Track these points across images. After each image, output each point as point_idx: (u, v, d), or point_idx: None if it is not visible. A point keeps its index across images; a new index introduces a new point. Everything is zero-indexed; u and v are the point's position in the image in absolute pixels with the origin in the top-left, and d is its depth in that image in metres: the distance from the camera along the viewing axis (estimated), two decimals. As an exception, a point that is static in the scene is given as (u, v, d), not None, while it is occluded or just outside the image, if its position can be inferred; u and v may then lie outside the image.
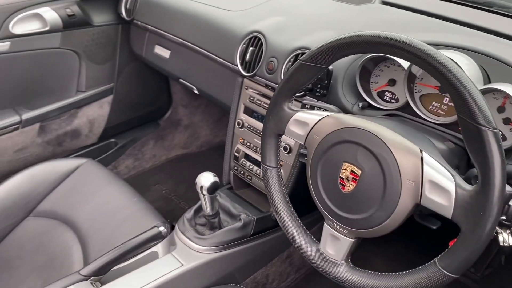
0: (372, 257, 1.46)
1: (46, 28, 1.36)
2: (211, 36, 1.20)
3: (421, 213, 0.72)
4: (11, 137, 1.38)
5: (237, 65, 1.09)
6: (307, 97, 0.94)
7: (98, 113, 1.60)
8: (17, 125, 1.38)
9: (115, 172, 1.73)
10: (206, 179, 0.92)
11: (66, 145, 1.56)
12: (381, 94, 0.87)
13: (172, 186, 1.74)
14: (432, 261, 0.59)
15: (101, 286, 0.86)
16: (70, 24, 1.40)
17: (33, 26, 1.34)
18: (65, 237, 1.16)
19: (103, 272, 0.90)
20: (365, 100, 0.85)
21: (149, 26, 1.42)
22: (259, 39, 1.05)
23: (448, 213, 0.57)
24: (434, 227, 0.72)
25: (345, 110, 0.87)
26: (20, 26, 1.31)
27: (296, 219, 0.75)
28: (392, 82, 0.85)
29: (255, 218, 1.03)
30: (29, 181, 1.27)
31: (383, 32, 0.60)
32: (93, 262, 0.92)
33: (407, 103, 0.80)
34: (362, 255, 1.36)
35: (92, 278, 0.88)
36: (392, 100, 0.85)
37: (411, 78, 0.79)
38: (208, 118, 1.96)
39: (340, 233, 0.68)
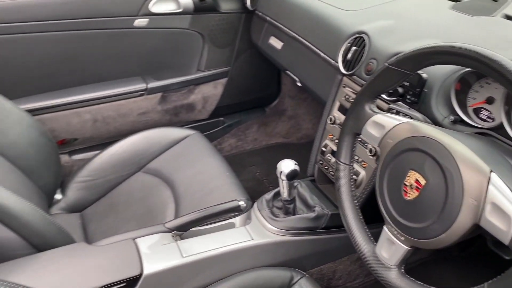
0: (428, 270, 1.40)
1: (179, 10, 1.54)
2: (319, 32, 1.25)
3: (494, 240, 0.69)
4: (137, 102, 1.59)
5: (338, 63, 1.12)
6: (400, 103, 0.93)
7: (212, 92, 1.75)
8: (143, 92, 1.58)
9: (218, 148, 1.88)
10: (286, 165, 0.98)
11: (181, 116, 1.75)
12: (477, 111, 0.83)
13: (265, 171, 1.83)
14: (481, 285, 0.58)
15: (180, 240, 0.98)
16: (200, 8, 1.56)
17: (169, 7, 1.52)
18: (164, 194, 1.32)
19: (184, 229, 1.01)
20: (457, 115, 0.83)
21: (268, 18, 1.52)
22: (363, 39, 1.07)
23: (506, 239, 0.55)
24: (507, 258, 0.69)
25: (435, 122, 0.85)
26: (158, 6, 1.50)
27: (359, 217, 0.77)
28: (490, 100, 0.81)
29: (330, 213, 1.06)
30: (145, 142, 1.46)
31: (474, 46, 0.59)
32: (178, 219, 1.05)
33: (501, 124, 0.76)
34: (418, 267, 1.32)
35: (174, 232, 1.00)
36: (488, 119, 0.81)
37: (509, 100, 0.75)
38: (312, 112, 2.00)
39: (397, 239, 0.69)
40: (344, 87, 1.13)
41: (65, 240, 0.98)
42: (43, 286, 0.68)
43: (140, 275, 0.87)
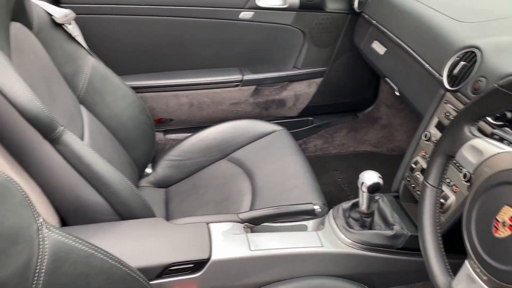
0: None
1: (285, 6, 1.54)
2: (427, 41, 1.17)
3: None
4: (231, 91, 1.64)
5: (442, 77, 1.04)
6: (507, 129, 0.84)
7: (305, 90, 1.74)
8: (238, 83, 1.62)
9: (303, 147, 1.87)
10: (369, 177, 0.94)
11: (270, 111, 1.76)
12: None
13: (348, 177, 1.78)
14: None
15: (250, 233, 0.99)
16: (305, 6, 1.55)
17: (275, 2, 1.54)
18: (243, 184, 1.35)
19: (256, 223, 1.02)
20: None
21: (374, 21, 1.46)
22: (474, 54, 0.98)
23: None
24: None
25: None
26: (265, 0, 1.52)
27: (439, 245, 0.72)
28: None
29: (409, 234, 1.00)
30: (233, 131, 1.50)
31: None
32: (252, 211, 1.06)
33: None
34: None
35: (246, 223, 1.02)
36: None
37: None
38: (407, 124, 1.90)
39: (479, 277, 0.63)
40: (445, 103, 1.05)
41: (146, 213, 1.05)
42: (118, 253, 0.73)
43: (208, 259, 0.90)
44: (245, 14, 1.52)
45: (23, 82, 0.84)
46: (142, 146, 1.39)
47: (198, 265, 0.90)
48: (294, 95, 1.74)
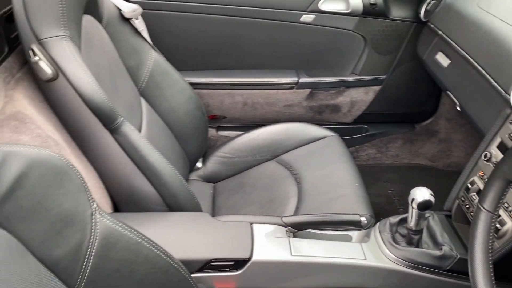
0: None
1: (348, 11, 1.52)
2: (496, 57, 1.10)
3: None
4: (285, 94, 1.64)
5: (510, 95, 0.98)
6: None
7: (361, 97, 1.71)
8: (293, 86, 1.62)
9: (355, 155, 1.83)
10: (420, 194, 0.91)
11: (324, 115, 1.75)
12: None
13: (399, 191, 1.73)
14: None
15: (292, 237, 0.99)
16: (369, 11, 1.52)
17: (338, 7, 1.52)
18: (289, 188, 1.35)
19: (299, 228, 1.02)
20: None
21: (440, 32, 1.40)
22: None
23: None
24: None
25: None
26: (327, 4, 1.51)
27: (489, 273, 0.68)
28: None
29: (458, 256, 0.96)
30: (284, 133, 1.50)
31: None
32: (296, 216, 1.06)
33: None
34: None
35: (289, 228, 1.02)
36: None
37: None
38: (468, 140, 1.81)
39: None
40: (510, 123, 0.99)
41: (193, 207, 1.07)
42: (163, 243, 0.75)
43: (249, 259, 0.91)
44: (307, 17, 1.51)
45: (89, 73, 0.89)
46: (195, 140, 1.42)
47: (239, 263, 0.92)
48: (350, 101, 1.71)
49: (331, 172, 1.35)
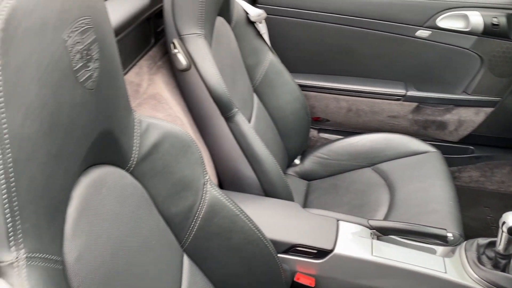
0: None
1: (467, 29, 1.50)
2: None
3: None
4: (391, 104, 1.66)
5: None
6: None
7: (471, 117, 1.66)
8: (400, 97, 1.64)
9: (456, 175, 1.78)
10: (513, 218, 0.91)
11: (428, 131, 1.73)
12: None
13: (499, 218, 1.64)
14: None
15: (375, 240, 1.05)
16: (489, 31, 1.48)
17: (456, 25, 1.51)
18: (382, 196, 1.39)
19: (383, 233, 1.07)
20: None
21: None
22: None
23: None
24: None
25: None
26: (446, 21, 1.50)
27: None
28: None
29: (547, 289, 0.93)
30: (384, 143, 1.54)
31: None
32: (383, 221, 1.11)
33: None
34: None
35: (374, 231, 1.07)
36: None
37: None
38: None
39: None
40: None
41: (287, 196, 1.18)
42: (257, 222, 0.87)
43: (331, 250, 0.99)
44: (422, 32, 1.52)
45: (216, 68, 1.04)
46: (296, 138, 1.53)
47: (321, 253, 1.00)
48: (458, 120, 1.68)
49: (427, 187, 1.36)
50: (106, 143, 0.61)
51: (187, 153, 0.79)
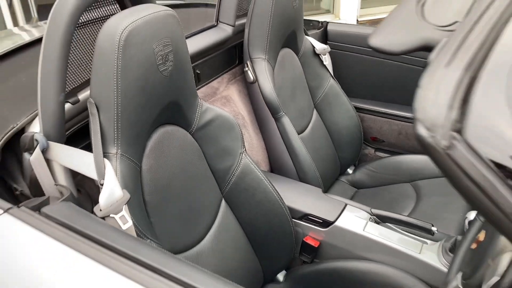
0: None
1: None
2: None
3: None
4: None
5: None
6: None
7: None
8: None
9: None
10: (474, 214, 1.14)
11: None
12: None
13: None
14: None
15: (372, 224, 1.34)
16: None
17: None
18: (407, 204, 1.65)
19: (381, 219, 1.36)
20: None
21: None
22: None
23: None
24: None
25: None
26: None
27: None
28: None
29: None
30: (424, 163, 1.79)
31: None
32: (381, 210, 1.39)
33: None
34: None
35: (373, 217, 1.36)
36: None
37: None
38: None
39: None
40: None
41: (315, 184, 1.54)
42: (281, 191, 1.26)
43: (333, 222, 1.33)
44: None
45: (271, 83, 1.48)
46: (348, 150, 1.86)
47: (326, 223, 1.34)
48: None
49: (447, 201, 1.58)
50: (175, 109, 1.08)
51: (231, 131, 1.23)
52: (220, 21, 1.56)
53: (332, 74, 1.83)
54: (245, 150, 1.25)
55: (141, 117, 0.95)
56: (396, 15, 0.61)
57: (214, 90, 1.53)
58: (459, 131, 0.42)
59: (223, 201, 1.25)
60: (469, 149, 0.41)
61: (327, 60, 1.81)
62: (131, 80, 0.89)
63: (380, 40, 0.59)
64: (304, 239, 1.37)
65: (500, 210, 0.41)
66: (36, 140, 0.89)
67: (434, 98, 0.43)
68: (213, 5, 1.72)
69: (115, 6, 1.07)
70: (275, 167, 1.61)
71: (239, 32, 1.58)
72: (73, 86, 1.02)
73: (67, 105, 0.98)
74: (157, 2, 1.14)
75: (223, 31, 1.54)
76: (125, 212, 0.85)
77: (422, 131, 0.42)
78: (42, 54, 0.88)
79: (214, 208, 1.22)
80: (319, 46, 1.78)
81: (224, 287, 0.64)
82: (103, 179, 0.84)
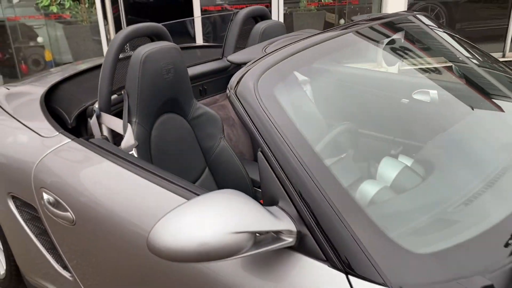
0: None
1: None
2: None
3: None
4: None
5: None
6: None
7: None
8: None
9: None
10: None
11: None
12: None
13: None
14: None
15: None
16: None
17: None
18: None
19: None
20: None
21: None
22: None
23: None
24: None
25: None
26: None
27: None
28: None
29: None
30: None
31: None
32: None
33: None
34: None
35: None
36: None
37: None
38: None
39: None
40: None
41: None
42: (255, 174, 1.92)
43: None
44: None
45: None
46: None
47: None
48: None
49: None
50: (174, 103, 1.79)
51: (215, 123, 1.91)
52: (224, 56, 2.29)
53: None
54: (223, 136, 1.93)
55: (151, 103, 1.67)
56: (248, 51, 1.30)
57: (215, 101, 2.24)
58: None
59: (206, 168, 1.92)
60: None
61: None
62: (146, 81, 1.62)
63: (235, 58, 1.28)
64: (260, 201, 1.99)
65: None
66: (94, 111, 1.64)
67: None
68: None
69: (148, 40, 1.84)
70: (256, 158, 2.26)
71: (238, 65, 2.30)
72: (117, 87, 1.77)
73: (113, 96, 1.73)
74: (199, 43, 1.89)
75: (224, 63, 2.26)
76: (134, 152, 1.56)
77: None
78: (102, 67, 1.64)
79: (198, 172, 1.89)
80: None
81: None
82: (125, 133, 1.56)
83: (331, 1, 5.23)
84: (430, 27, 1.64)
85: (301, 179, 0.95)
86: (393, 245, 0.90)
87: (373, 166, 1.26)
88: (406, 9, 5.23)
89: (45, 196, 1.47)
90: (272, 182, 1.01)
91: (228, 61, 1.50)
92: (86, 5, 4.88)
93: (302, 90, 1.55)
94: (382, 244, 0.89)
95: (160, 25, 1.84)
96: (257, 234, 0.92)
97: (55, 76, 2.11)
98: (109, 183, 1.35)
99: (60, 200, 1.42)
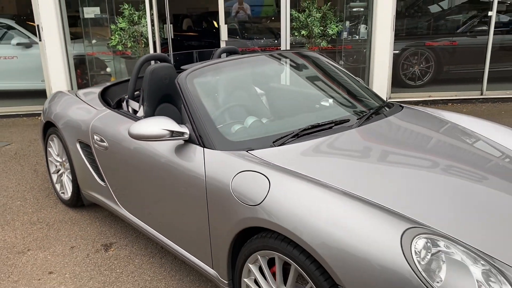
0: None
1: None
2: None
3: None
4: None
5: None
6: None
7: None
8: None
9: None
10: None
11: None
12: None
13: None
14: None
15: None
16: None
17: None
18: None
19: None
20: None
21: None
22: None
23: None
24: None
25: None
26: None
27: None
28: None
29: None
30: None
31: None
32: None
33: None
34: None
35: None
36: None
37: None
38: None
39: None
40: None
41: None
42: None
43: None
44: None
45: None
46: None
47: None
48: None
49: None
50: (169, 97, 3.18)
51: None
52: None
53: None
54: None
55: (155, 96, 3.07)
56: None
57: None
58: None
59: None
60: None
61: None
62: (152, 83, 3.03)
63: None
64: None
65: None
66: (126, 99, 3.09)
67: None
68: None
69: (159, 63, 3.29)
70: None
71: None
72: (137, 88, 3.22)
73: (136, 92, 3.18)
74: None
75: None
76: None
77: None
78: (131, 76, 3.11)
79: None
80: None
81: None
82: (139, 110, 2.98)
83: (329, 46, 6.57)
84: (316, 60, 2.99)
85: (198, 120, 2.29)
86: (223, 137, 2.22)
87: (244, 119, 2.56)
88: (393, 50, 6.42)
89: (95, 137, 2.90)
90: (186, 118, 2.36)
91: (181, 68, 2.86)
92: (143, 46, 6.59)
93: (211, 83, 2.88)
94: (219, 138, 2.21)
95: (163, 54, 3.29)
96: (172, 132, 2.26)
97: (106, 84, 3.66)
98: (124, 130, 2.74)
99: (102, 137, 2.83)
